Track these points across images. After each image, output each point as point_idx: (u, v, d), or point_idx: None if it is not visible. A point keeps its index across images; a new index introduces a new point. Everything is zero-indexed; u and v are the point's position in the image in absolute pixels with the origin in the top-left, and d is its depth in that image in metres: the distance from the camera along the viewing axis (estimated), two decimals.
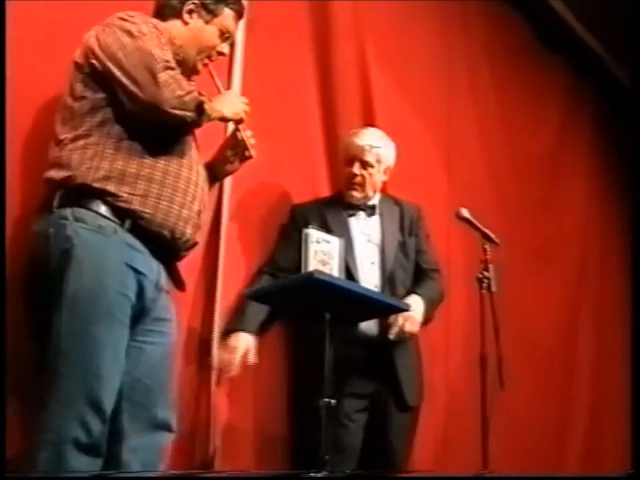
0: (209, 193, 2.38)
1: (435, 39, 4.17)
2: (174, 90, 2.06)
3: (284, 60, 3.24)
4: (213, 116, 2.20)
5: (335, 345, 2.43)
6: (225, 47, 2.39)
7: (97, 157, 2.08)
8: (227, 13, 2.35)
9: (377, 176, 3.05)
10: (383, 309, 2.73)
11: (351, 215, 3.03)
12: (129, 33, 2.12)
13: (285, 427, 2.97)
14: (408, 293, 2.98)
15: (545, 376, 4.53)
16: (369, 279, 2.94)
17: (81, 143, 2.10)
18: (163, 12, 2.34)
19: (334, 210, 3.02)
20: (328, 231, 2.79)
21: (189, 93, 2.09)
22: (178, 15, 2.32)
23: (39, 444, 1.93)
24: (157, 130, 2.13)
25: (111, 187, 2.07)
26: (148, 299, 2.14)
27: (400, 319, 2.84)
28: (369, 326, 2.89)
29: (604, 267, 5.41)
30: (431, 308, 3.00)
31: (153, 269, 2.16)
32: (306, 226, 2.71)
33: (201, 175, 2.28)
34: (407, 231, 3.10)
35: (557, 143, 5.18)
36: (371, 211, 3.07)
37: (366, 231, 3.04)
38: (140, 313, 2.13)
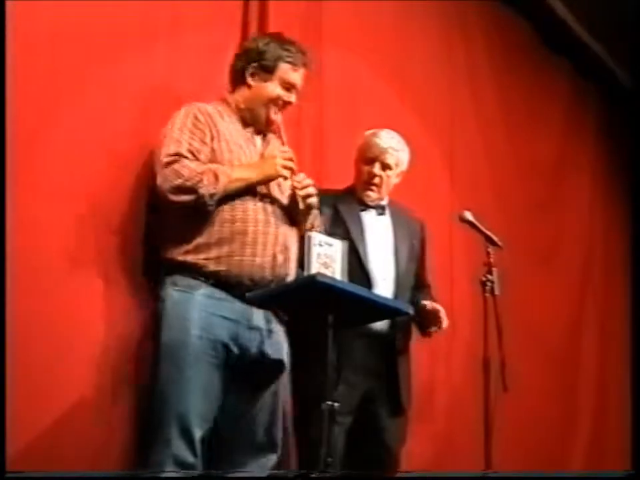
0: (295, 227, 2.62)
1: (436, 43, 4.19)
2: (171, 181, 2.41)
3: None
4: (231, 188, 2.46)
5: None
6: (291, 97, 2.64)
7: (178, 237, 2.49)
8: (284, 67, 2.62)
9: (392, 178, 3.09)
10: (386, 311, 2.72)
11: (363, 210, 3.07)
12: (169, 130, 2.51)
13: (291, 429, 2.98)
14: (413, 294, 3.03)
15: (548, 378, 4.54)
16: (382, 272, 2.98)
17: (168, 226, 2.52)
18: (233, 82, 2.68)
19: (346, 203, 3.06)
20: (340, 221, 2.91)
21: (188, 180, 2.40)
22: (244, 81, 2.64)
23: (148, 466, 2.34)
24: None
25: (189, 258, 2.46)
26: (243, 339, 2.48)
27: (442, 312, 2.91)
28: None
29: (607, 270, 5.41)
30: None
31: (243, 313, 2.49)
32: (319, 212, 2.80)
33: (279, 214, 2.56)
34: (413, 237, 3.13)
35: (559, 145, 5.18)
36: (381, 210, 3.10)
37: (377, 227, 3.07)
38: (239, 351, 2.47)
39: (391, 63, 3.81)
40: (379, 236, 3.05)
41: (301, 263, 2.50)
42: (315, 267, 2.41)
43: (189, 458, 2.35)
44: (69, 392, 2.40)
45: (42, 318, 2.34)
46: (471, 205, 3.24)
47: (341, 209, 3.00)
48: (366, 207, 3.07)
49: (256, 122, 2.64)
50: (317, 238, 2.46)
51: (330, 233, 2.70)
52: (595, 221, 5.39)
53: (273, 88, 2.62)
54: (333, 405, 2.35)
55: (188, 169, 2.42)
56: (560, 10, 5.01)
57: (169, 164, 2.43)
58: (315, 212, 2.70)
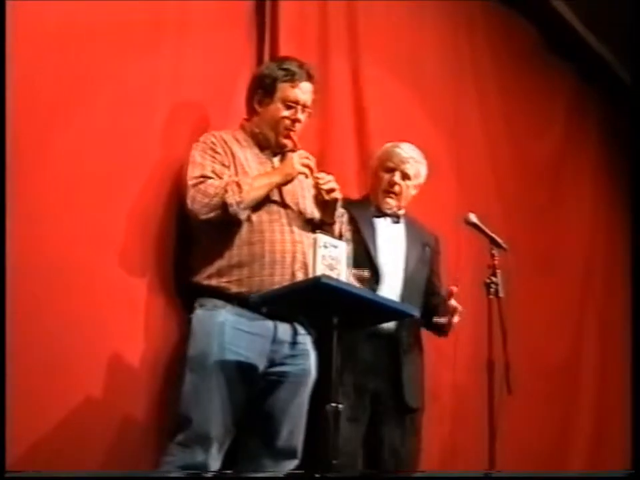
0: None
1: (441, 45, 4.19)
2: (200, 201, 2.53)
3: None
4: (255, 195, 2.56)
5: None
6: (297, 114, 2.70)
7: (203, 262, 2.60)
8: (283, 86, 2.70)
9: (411, 189, 3.14)
10: (390, 313, 2.72)
11: (377, 216, 3.12)
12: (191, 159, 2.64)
13: None
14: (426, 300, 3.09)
15: (549, 378, 4.54)
16: (390, 267, 3.02)
17: (194, 251, 2.66)
18: (248, 111, 2.80)
19: (361, 210, 3.10)
20: (353, 225, 2.93)
21: (215, 196, 2.52)
22: (254, 110, 2.76)
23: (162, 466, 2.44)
24: (225, 225, 2.56)
25: (213, 282, 2.57)
26: (268, 352, 2.56)
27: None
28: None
29: (609, 272, 5.41)
30: None
31: (267, 327, 2.57)
32: None
33: (297, 232, 2.63)
34: (426, 245, 3.18)
35: (562, 148, 5.18)
36: (396, 219, 3.15)
37: (390, 231, 3.12)
38: (265, 364, 2.55)
39: (395, 68, 3.81)
40: (390, 238, 3.10)
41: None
42: (319, 269, 2.41)
43: (201, 458, 2.43)
44: (70, 392, 2.41)
45: (43, 317, 2.34)
46: (475, 208, 3.24)
47: (356, 215, 3.04)
48: (382, 214, 3.12)
49: (269, 145, 2.74)
50: (322, 239, 2.47)
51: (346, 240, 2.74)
52: (597, 223, 5.39)
53: (277, 109, 2.70)
54: (337, 407, 2.35)
55: (213, 186, 2.55)
56: (563, 11, 5.01)
57: (195, 185, 2.56)
58: (342, 218, 2.76)
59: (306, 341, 2.67)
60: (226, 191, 2.52)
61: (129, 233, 2.62)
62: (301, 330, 2.66)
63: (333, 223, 2.72)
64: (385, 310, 2.63)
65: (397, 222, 3.15)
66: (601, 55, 5.44)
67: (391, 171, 3.10)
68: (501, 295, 2.94)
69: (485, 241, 3.08)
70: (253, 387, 2.56)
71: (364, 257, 2.97)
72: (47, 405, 2.34)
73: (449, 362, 3.56)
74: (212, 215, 2.53)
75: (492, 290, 2.95)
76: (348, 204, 3.07)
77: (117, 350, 2.54)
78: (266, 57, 3.18)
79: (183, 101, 2.84)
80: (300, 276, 2.58)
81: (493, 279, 2.96)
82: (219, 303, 2.56)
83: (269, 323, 2.58)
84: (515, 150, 4.70)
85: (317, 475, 2.27)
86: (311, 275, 2.53)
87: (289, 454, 2.61)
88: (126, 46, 2.68)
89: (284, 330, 2.61)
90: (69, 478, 2.28)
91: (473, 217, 3.10)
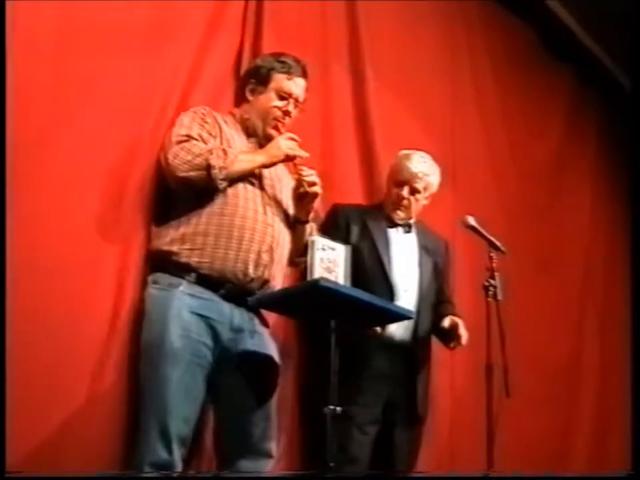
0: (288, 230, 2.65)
1: (438, 47, 4.19)
2: (182, 157, 2.46)
3: None
4: (239, 167, 2.50)
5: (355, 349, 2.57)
6: (288, 106, 2.69)
7: (165, 226, 2.53)
8: (279, 77, 2.69)
9: (421, 201, 3.16)
10: (388, 316, 2.73)
11: (390, 227, 3.13)
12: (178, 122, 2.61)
13: (295, 432, 2.99)
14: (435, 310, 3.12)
15: (549, 379, 4.53)
16: (405, 284, 3.04)
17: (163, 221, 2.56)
18: (238, 100, 2.81)
19: (374, 219, 3.13)
20: (368, 235, 3.00)
21: (199, 155, 2.45)
22: (245, 98, 2.75)
23: (132, 466, 2.35)
24: (201, 192, 2.49)
25: (174, 248, 2.47)
26: (225, 339, 2.47)
27: (461, 327, 2.99)
28: (397, 331, 2.96)
29: (609, 274, 5.40)
30: None
31: (224, 312, 2.48)
32: (347, 225, 2.98)
33: (270, 216, 2.57)
34: (438, 256, 3.20)
35: (561, 150, 5.18)
36: (408, 228, 3.17)
37: (403, 244, 3.14)
38: (221, 352, 2.46)
39: (393, 69, 3.81)
40: (404, 251, 3.12)
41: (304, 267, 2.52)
42: (318, 272, 2.41)
43: (165, 456, 2.33)
44: (70, 392, 2.40)
45: (43, 317, 2.34)
46: (472, 211, 3.24)
47: (369, 224, 3.08)
48: (393, 224, 3.14)
49: (256, 134, 2.71)
50: (320, 242, 2.46)
51: (357, 247, 2.80)
52: (596, 223, 5.39)
53: (269, 98, 2.70)
54: (335, 409, 2.35)
55: (198, 147, 2.49)
56: (561, 14, 5.01)
57: (180, 142, 2.50)
58: (313, 225, 2.74)
59: (263, 331, 2.61)
60: (211, 153, 2.46)
61: (130, 233, 2.61)
62: (256, 319, 2.59)
63: (306, 222, 2.71)
64: (383, 312, 2.63)
65: (409, 231, 3.17)
66: (599, 56, 5.44)
67: (400, 185, 3.12)
68: (500, 297, 2.94)
69: (483, 244, 3.07)
70: (214, 380, 2.46)
71: (379, 272, 3.00)
72: (47, 405, 2.33)
73: (447, 365, 3.57)
74: (192, 173, 2.45)
75: (490, 293, 2.94)
76: (362, 211, 3.15)
77: (116, 348, 2.50)
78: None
79: (183, 100, 2.84)
80: (265, 258, 2.53)
81: (492, 281, 2.96)
82: (174, 280, 2.45)
83: (226, 308, 2.50)
84: (513, 151, 4.70)
85: (309, 476, 2.27)
86: (277, 263, 2.55)
87: (262, 453, 2.53)
88: (124, 46, 2.68)
89: (241, 317, 2.53)
90: (69, 478, 2.28)
91: (471, 220, 3.10)
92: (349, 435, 2.80)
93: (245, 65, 3.03)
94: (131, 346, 2.52)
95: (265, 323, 2.64)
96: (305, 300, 2.47)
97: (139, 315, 2.53)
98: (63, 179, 2.46)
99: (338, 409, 2.35)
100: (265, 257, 2.53)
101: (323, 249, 2.45)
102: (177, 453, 2.36)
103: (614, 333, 5.27)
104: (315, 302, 2.44)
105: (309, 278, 2.45)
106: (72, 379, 2.40)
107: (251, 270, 2.50)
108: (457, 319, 3.06)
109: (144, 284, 2.56)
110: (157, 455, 2.32)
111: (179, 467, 2.37)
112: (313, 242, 2.46)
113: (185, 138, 2.51)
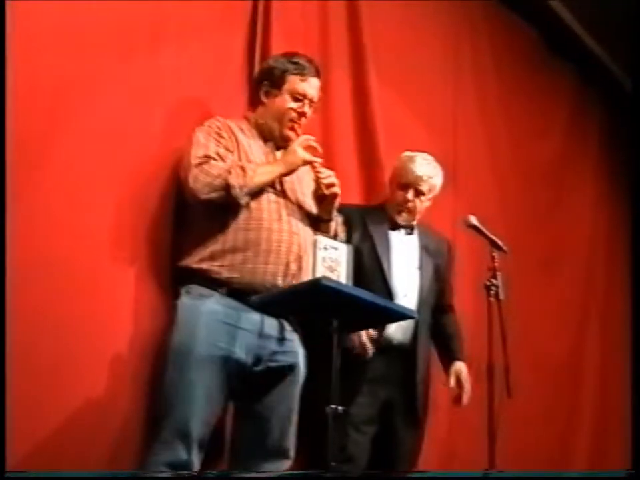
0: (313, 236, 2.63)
1: (440, 47, 4.19)
2: (202, 180, 2.49)
3: None
4: (259, 181, 2.54)
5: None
6: (303, 107, 2.71)
7: (196, 245, 2.56)
8: (292, 79, 2.70)
9: (425, 203, 3.14)
10: (391, 315, 2.72)
11: (392, 229, 3.12)
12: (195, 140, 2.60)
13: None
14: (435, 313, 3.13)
15: (550, 379, 4.54)
16: (404, 288, 3.02)
17: (188, 235, 2.61)
18: (253, 103, 2.81)
19: (375, 219, 3.11)
20: (368, 237, 2.99)
21: (218, 177, 2.49)
22: (260, 101, 2.75)
23: (150, 466, 2.39)
24: (222, 210, 2.53)
25: (204, 265, 2.53)
26: (253, 346, 2.52)
27: (466, 384, 3.03)
28: (396, 334, 2.97)
29: (610, 274, 5.41)
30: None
31: (253, 320, 2.53)
32: (348, 226, 2.92)
33: (294, 224, 2.61)
34: (440, 257, 3.19)
35: (563, 150, 5.18)
36: (410, 230, 3.15)
37: (404, 246, 3.12)
38: (248, 358, 2.51)
39: (395, 69, 3.81)
40: (405, 254, 3.11)
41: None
42: (320, 271, 2.41)
43: (184, 457, 2.39)
44: (70, 392, 2.41)
45: (43, 317, 2.34)
46: (474, 210, 3.24)
47: (370, 225, 3.07)
48: (395, 226, 3.12)
49: (272, 137, 2.73)
50: (323, 242, 2.46)
51: (358, 248, 2.79)
52: (598, 224, 5.39)
53: (284, 100, 2.70)
54: (337, 409, 2.35)
55: (217, 167, 2.52)
56: (564, 14, 5.01)
57: (198, 165, 2.52)
58: (337, 218, 2.75)
59: (293, 337, 2.64)
60: (229, 173, 2.49)
61: (131, 233, 2.61)
62: (287, 326, 2.63)
63: (329, 220, 2.72)
64: (385, 311, 2.63)
65: (411, 233, 3.16)
66: (601, 57, 5.44)
67: (405, 188, 3.10)
68: (501, 297, 2.93)
69: (485, 243, 3.07)
70: (239, 384, 2.52)
71: (378, 276, 2.99)
72: (47, 405, 2.34)
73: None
74: (213, 195, 2.49)
75: (492, 292, 2.93)
76: (364, 211, 3.14)
77: (119, 350, 2.53)
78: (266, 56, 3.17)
79: (184, 100, 2.84)
80: (293, 267, 2.57)
81: (493, 281, 2.95)
82: (206, 291, 2.51)
83: (256, 316, 2.55)
84: (515, 151, 4.70)
85: (310, 475, 2.28)
86: (305, 271, 2.55)
87: (281, 454, 2.58)
88: (126, 45, 2.67)
89: (270, 324, 2.58)
90: (69, 478, 2.28)
91: (473, 219, 3.10)
92: (344, 434, 2.79)
93: (256, 65, 3.04)
94: (132, 346, 2.53)
95: (295, 329, 2.66)
96: (307, 299, 2.47)
97: (140, 315, 2.55)
98: (63, 180, 2.46)
99: (339, 408, 2.35)
100: (293, 267, 2.57)
101: (325, 248, 2.45)
102: (196, 454, 2.42)
103: (615, 333, 5.28)
104: (317, 301, 2.44)
105: (310, 277, 2.45)
106: (72, 379, 2.40)
107: (279, 280, 2.54)
108: (461, 370, 3.07)
109: (144, 284, 2.58)
110: (176, 455, 2.38)
111: (196, 467, 2.43)
112: (315, 241, 2.46)
113: (204, 160, 2.53)
